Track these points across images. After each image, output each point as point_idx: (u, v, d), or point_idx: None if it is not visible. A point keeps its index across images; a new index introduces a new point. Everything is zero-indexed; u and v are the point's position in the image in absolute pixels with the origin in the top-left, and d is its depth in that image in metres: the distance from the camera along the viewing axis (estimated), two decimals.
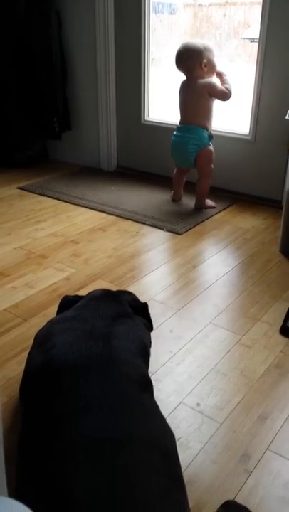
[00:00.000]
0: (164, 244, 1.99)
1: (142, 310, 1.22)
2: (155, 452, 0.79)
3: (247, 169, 2.44)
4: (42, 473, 0.76)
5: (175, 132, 2.32)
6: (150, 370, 1.15)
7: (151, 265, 1.82)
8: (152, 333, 1.22)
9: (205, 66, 2.21)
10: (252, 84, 2.30)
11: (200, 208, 2.33)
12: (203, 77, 2.23)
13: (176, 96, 2.32)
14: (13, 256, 1.86)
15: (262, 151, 2.37)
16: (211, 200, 2.38)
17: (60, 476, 0.73)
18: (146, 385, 0.99)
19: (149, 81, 2.65)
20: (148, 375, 1.03)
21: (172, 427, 0.94)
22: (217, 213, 2.30)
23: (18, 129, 2.86)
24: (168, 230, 2.10)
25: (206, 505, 0.92)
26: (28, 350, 1.12)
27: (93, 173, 2.86)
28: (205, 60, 2.20)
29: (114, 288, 1.54)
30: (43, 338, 1.06)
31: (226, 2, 2.48)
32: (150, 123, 2.70)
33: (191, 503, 0.84)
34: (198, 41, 2.25)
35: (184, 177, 2.42)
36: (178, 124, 2.33)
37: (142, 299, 1.34)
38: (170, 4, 2.67)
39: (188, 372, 1.27)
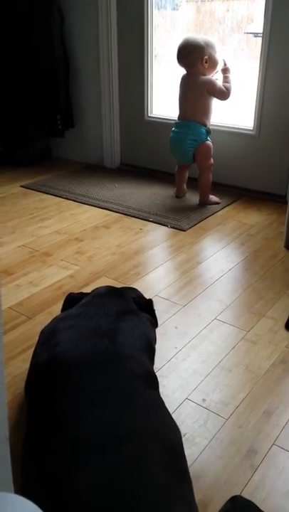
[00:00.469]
0: (168, 241, 1.99)
1: (146, 306, 1.22)
2: (159, 447, 0.79)
3: (251, 164, 2.43)
4: (45, 469, 0.76)
5: (173, 128, 2.31)
6: (155, 366, 1.15)
7: (156, 262, 1.82)
8: (157, 330, 1.22)
9: (206, 62, 2.20)
10: (256, 79, 2.29)
11: (204, 204, 2.33)
12: (204, 74, 2.22)
13: (178, 92, 2.31)
14: (18, 254, 1.87)
15: (266, 145, 2.36)
16: (215, 195, 2.37)
17: (63, 470, 0.74)
18: (151, 381, 0.99)
19: (152, 77, 2.64)
20: (153, 371, 1.03)
21: (178, 423, 0.94)
22: (221, 209, 2.29)
23: (21, 127, 2.86)
24: (172, 227, 2.10)
25: (212, 500, 0.92)
26: (32, 348, 1.12)
27: (96, 170, 2.86)
28: (206, 57, 2.19)
29: (118, 285, 1.55)
30: (48, 336, 1.07)
31: None
32: (153, 119, 2.70)
33: (197, 498, 0.84)
34: (200, 36, 2.23)
35: (186, 173, 2.41)
36: (176, 118, 2.33)
37: (146, 295, 1.34)
38: (173, 0, 2.65)
39: (193, 368, 1.27)
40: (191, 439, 1.05)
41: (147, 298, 1.28)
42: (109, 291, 1.23)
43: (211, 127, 2.31)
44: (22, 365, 1.26)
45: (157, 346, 1.20)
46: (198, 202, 2.35)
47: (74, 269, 1.75)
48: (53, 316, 1.18)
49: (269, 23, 2.16)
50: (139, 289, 1.34)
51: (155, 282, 1.67)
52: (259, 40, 2.24)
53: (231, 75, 2.25)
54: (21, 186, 2.59)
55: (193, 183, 2.39)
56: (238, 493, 0.93)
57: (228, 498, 0.86)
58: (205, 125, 2.26)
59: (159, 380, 1.09)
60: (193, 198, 2.40)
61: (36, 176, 2.74)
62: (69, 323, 1.07)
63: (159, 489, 0.72)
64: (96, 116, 2.85)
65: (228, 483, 0.96)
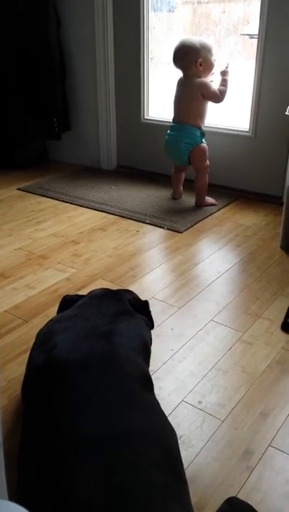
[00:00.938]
0: (164, 243, 1.99)
1: (142, 308, 1.23)
2: (155, 448, 0.79)
3: (247, 166, 2.44)
4: (43, 468, 0.76)
5: (168, 131, 2.32)
6: (151, 368, 1.15)
7: (152, 264, 1.82)
8: (153, 331, 1.22)
9: (200, 65, 2.19)
10: (252, 80, 2.30)
11: (200, 205, 2.33)
12: (199, 76, 2.22)
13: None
14: (14, 257, 1.87)
15: (262, 147, 2.37)
16: (212, 197, 2.38)
17: (60, 471, 0.74)
18: (147, 383, 0.99)
19: (148, 79, 2.64)
20: (148, 373, 1.03)
21: (174, 425, 0.94)
22: (217, 210, 2.30)
23: (18, 129, 2.85)
24: (168, 229, 2.10)
25: (208, 502, 0.92)
26: (29, 352, 1.12)
27: (93, 172, 2.86)
28: (200, 59, 2.18)
29: (115, 287, 1.55)
30: (45, 337, 1.07)
31: None
32: (150, 121, 2.70)
33: (193, 499, 0.84)
34: (196, 38, 2.22)
35: (182, 174, 2.41)
36: (171, 121, 2.33)
37: (142, 297, 1.34)
38: (169, 2, 2.66)
39: (189, 370, 1.27)
40: (187, 441, 1.05)
41: (143, 300, 1.28)
42: (106, 293, 1.23)
43: (207, 129, 2.32)
44: (18, 368, 1.26)
45: (153, 348, 1.20)
46: (194, 204, 2.35)
47: (70, 271, 1.75)
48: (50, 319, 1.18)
49: (265, 24, 2.16)
50: (135, 291, 1.34)
51: (151, 284, 1.68)
52: (255, 41, 2.25)
53: (229, 78, 2.25)
54: (18, 189, 2.59)
55: (190, 184, 2.39)
56: (235, 495, 0.93)
57: (225, 500, 0.86)
58: (199, 128, 2.26)
59: (156, 382, 1.09)
60: (189, 199, 2.40)
61: (33, 179, 2.74)
62: (65, 325, 1.07)
63: (156, 490, 0.72)
64: (92, 119, 2.86)
65: (224, 484, 0.96)
